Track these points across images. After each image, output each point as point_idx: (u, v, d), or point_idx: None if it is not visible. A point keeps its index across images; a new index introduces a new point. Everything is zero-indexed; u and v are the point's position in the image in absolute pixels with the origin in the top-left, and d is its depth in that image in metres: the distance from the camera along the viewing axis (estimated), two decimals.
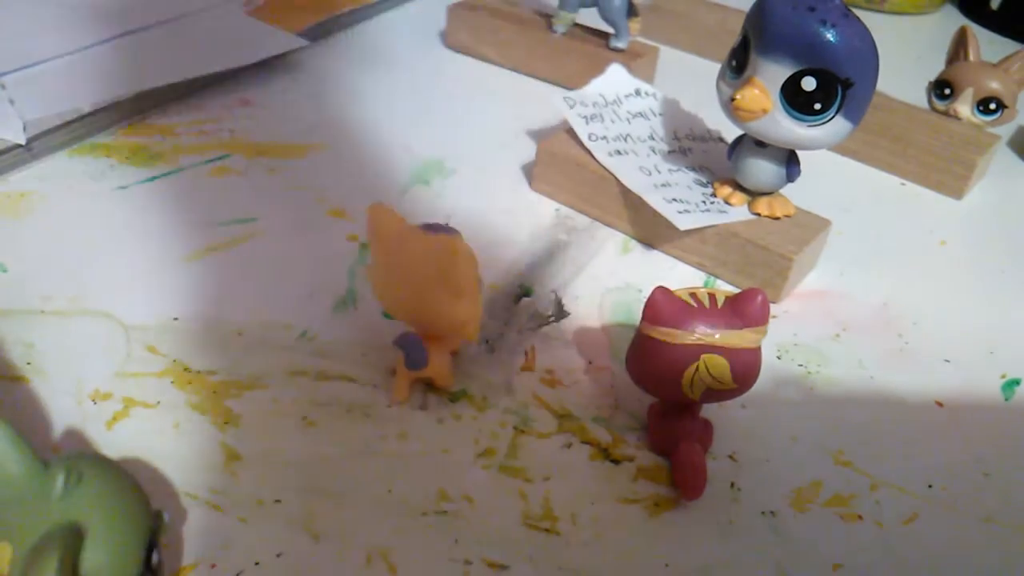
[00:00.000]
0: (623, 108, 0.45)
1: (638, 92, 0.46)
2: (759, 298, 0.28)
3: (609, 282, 0.40)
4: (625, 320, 0.38)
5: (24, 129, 0.43)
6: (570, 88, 0.46)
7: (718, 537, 0.29)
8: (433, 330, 0.31)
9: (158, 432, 0.30)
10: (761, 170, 0.38)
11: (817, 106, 0.35)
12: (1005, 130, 0.53)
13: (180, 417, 0.31)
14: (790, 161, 0.38)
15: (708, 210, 0.39)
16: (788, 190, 0.40)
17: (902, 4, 0.76)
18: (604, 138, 0.43)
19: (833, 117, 0.35)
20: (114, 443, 0.29)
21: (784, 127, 0.35)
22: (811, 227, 0.39)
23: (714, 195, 0.41)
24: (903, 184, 0.50)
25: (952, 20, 0.75)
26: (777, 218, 0.39)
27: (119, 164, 0.44)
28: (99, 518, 0.22)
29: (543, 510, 0.29)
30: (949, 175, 0.49)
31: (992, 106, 0.50)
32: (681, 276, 0.41)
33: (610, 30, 0.54)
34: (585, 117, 0.44)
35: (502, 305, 0.38)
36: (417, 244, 0.29)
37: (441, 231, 0.30)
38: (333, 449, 0.30)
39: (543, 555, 0.28)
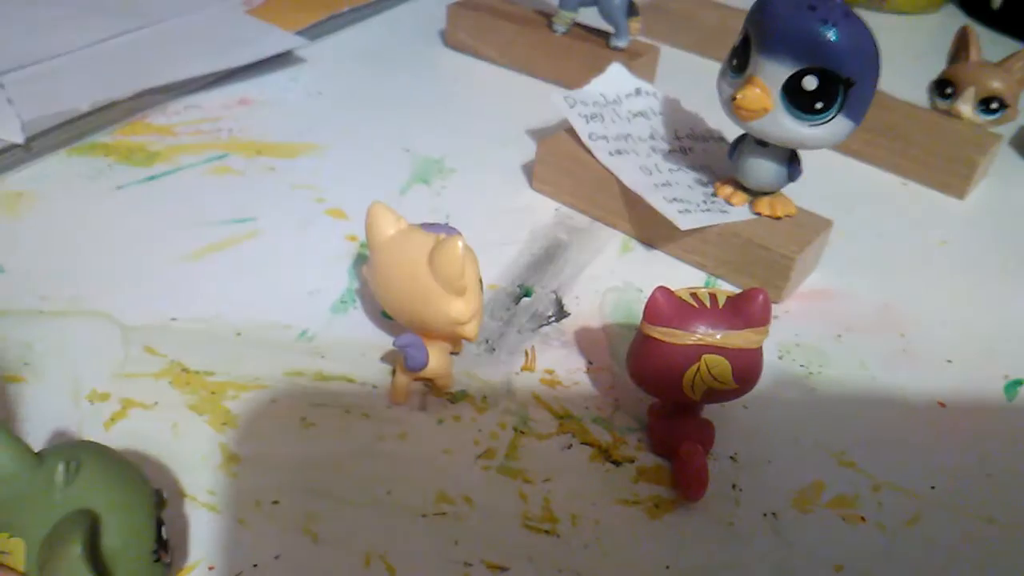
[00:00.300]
0: (623, 107, 0.45)
1: (638, 91, 0.46)
2: (760, 298, 0.28)
3: (609, 282, 0.40)
4: (625, 320, 0.37)
5: (22, 128, 0.43)
6: (570, 87, 0.46)
7: (719, 539, 0.29)
8: (433, 330, 0.31)
9: (156, 433, 0.30)
10: (762, 169, 0.38)
11: (818, 105, 0.34)
12: (1007, 129, 0.53)
13: (178, 418, 0.31)
14: (791, 161, 0.38)
15: (709, 210, 0.39)
16: (789, 190, 0.40)
17: (903, 3, 0.76)
18: (604, 137, 0.43)
19: (834, 116, 0.35)
20: (112, 444, 0.29)
21: (785, 126, 0.35)
22: (812, 227, 0.39)
23: (715, 195, 0.41)
24: (905, 184, 0.50)
25: (953, 19, 0.75)
26: (778, 218, 0.39)
27: (117, 163, 0.44)
28: (106, 501, 0.22)
29: (543, 511, 0.29)
30: (951, 175, 0.49)
31: (994, 105, 0.49)
32: (682, 276, 0.41)
33: (610, 29, 0.53)
34: (585, 116, 0.44)
35: (502, 305, 0.37)
36: (417, 244, 0.29)
37: (441, 231, 0.30)
38: (332, 450, 0.30)
39: (543, 557, 0.27)
